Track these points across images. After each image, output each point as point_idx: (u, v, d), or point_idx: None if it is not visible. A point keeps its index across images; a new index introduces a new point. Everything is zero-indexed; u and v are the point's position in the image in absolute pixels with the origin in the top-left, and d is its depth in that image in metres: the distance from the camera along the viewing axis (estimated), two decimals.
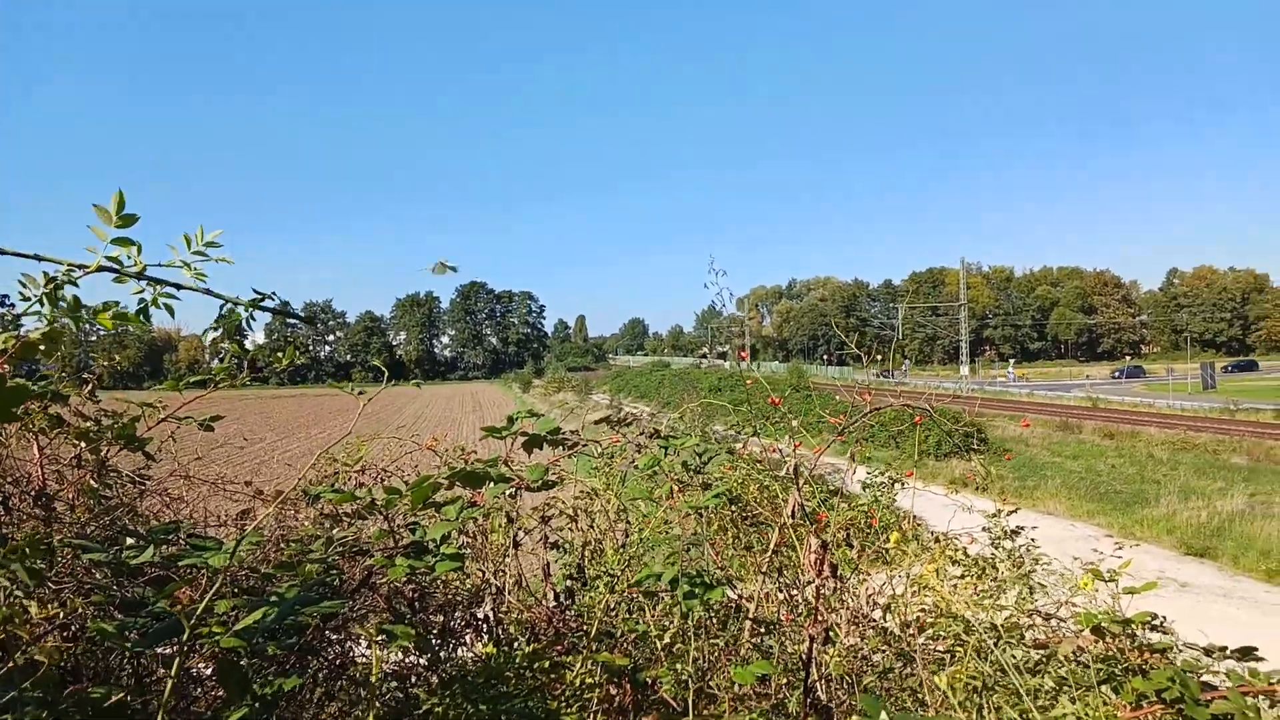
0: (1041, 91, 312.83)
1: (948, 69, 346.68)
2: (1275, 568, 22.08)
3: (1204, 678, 2.52)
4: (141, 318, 2.02)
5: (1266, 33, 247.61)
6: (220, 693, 2.23)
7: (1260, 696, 2.30)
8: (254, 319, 2.26)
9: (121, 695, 1.65)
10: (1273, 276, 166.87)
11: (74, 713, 1.58)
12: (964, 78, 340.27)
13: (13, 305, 1.84)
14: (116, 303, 1.98)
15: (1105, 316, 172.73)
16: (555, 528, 3.58)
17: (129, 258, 1.92)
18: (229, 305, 2.19)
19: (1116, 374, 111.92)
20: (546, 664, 2.48)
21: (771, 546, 3.24)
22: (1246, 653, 2.56)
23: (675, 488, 3.29)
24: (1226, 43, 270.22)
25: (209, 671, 2.28)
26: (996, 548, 3.92)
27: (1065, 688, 2.45)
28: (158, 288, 1.99)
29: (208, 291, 2.05)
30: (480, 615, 3.02)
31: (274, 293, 2.24)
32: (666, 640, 2.71)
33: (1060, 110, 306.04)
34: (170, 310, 2.05)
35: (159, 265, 1.97)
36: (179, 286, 2.00)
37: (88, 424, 2.94)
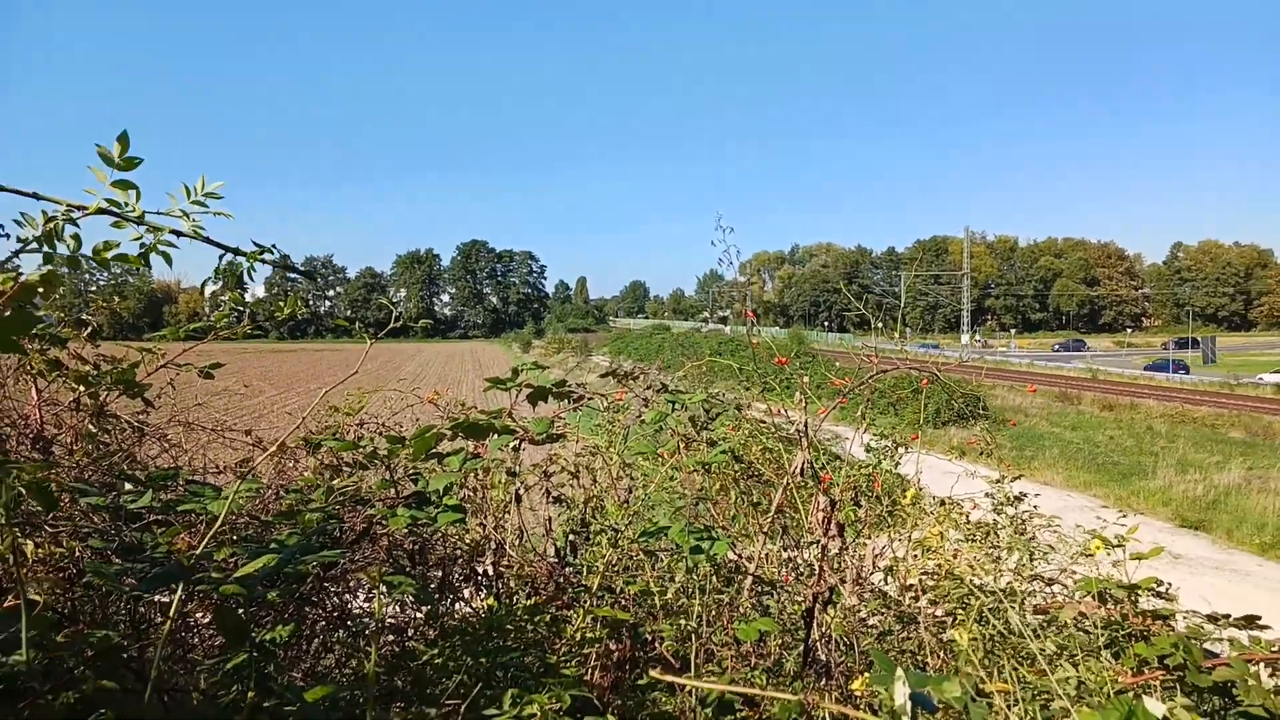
0: (1048, 65, 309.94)
1: (956, 41, 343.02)
2: (1269, 541, 22.22)
3: (1206, 645, 2.51)
4: (142, 261, 1.97)
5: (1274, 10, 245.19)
6: (217, 640, 2.22)
7: (1263, 664, 2.29)
8: (255, 270, 2.21)
9: (119, 639, 1.63)
10: (1276, 252, 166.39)
11: (70, 655, 1.55)
12: (971, 49, 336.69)
13: (7, 236, 1.79)
14: (117, 243, 1.94)
15: (1108, 289, 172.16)
16: (556, 484, 3.56)
17: (127, 203, 1.88)
18: (229, 256, 2.14)
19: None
20: (546, 618, 2.47)
21: (774, 507, 3.22)
22: (1250, 620, 2.55)
23: (681, 444, 3.26)
24: (1233, 21, 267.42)
25: (205, 619, 2.27)
26: (999, 513, 3.90)
27: (1066, 652, 2.43)
28: (157, 234, 1.94)
29: (209, 240, 2.00)
30: (480, 570, 3.00)
31: (274, 245, 2.20)
32: (669, 596, 2.70)
33: (1067, 84, 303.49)
34: (168, 259, 2.00)
35: (158, 213, 1.92)
36: (180, 234, 1.95)
37: (87, 368, 2.90)
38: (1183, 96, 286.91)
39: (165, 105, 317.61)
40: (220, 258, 2.15)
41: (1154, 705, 1.67)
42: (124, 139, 1.85)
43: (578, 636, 2.47)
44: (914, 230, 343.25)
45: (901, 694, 1.11)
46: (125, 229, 1.93)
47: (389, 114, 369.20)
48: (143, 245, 1.98)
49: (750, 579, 3.03)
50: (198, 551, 1.74)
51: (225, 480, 3.02)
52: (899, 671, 1.12)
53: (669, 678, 1.46)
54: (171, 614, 1.61)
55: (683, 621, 2.55)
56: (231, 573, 1.77)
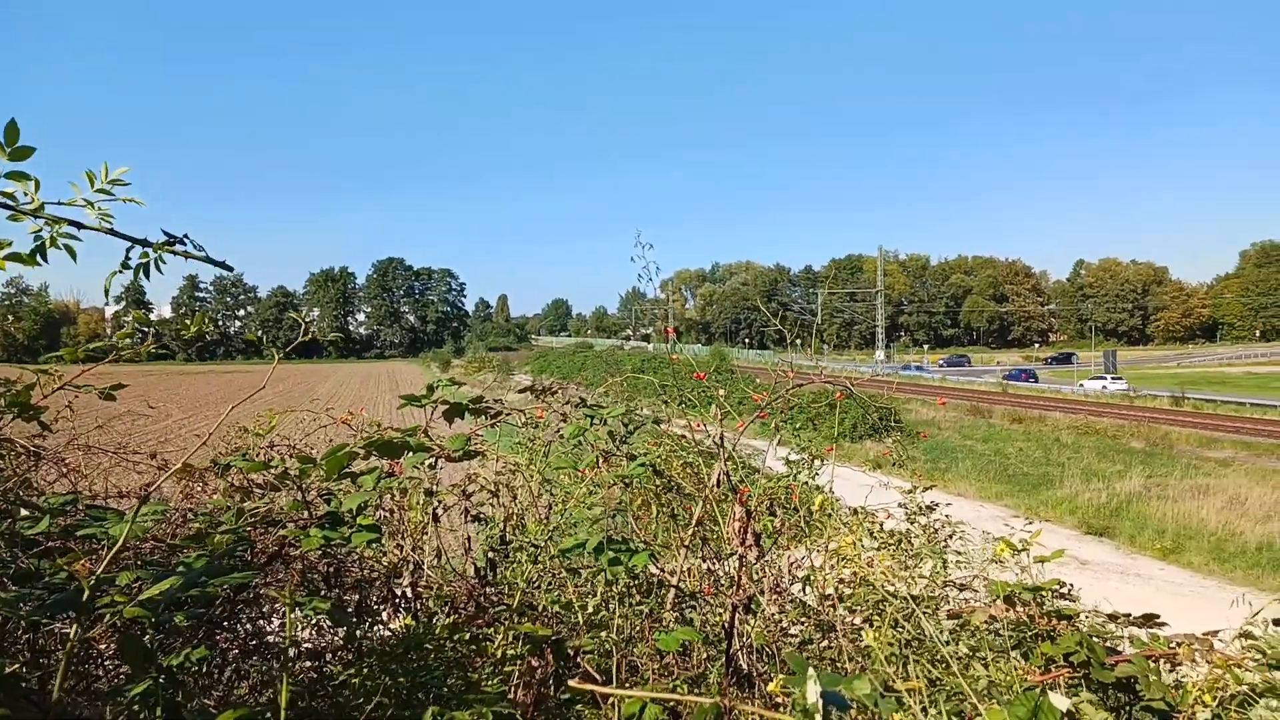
0: (955, 87, 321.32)
1: (867, 62, 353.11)
2: (1169, 546, 23.23)
3: (1110, 643, 2.61)
4: (38, 258, 1.87)
5: (1173, 35, 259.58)
6: (122, 669, 2.14)
7: (1161, 660, 2.40)
8: (164, 261, 2.11)
9: (17, 667, 1.56)
10: (1172, 270, 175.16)
11: None
12: (882, 72, 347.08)
13: None
14: (9, 242, 1.84)
15: (1016, 305, 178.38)
16: (476, 503, 3.52)
17: (25, 194, 1.79)
18: (135, 247, 2.04)
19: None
20: (467, 636, 2.43)
21: (694, 520, 3.25)
22: (1149, 619, 2.67)
23: (601, 458, 3.27)
24: (1135, 42, 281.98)
25: (111, 650, 2.18)
26: (912, 523, 4.00)
27: (978, 654, 2.51)
28: (57, 227, 1.84)
29: (112, 231, 1.91)
30: (398, 591, 2.95)
31: (187, 235, 2.10)
32: (590, 610, 2.69)
33: (975, 104, 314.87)
34: (71, 252, 1.90)
35: (59, 203, 1.83)
36: (82, 226, 1.87)
37: None
38: (1086, 115, 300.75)
39: (54, 110, 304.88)
40: (127, 249, 2.05)
41: (1059, 700, 1.74)
42: (12, 128, 1.76)
43: (500, 654, 2.45)
44: (830, 248, 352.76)
45: (814, 692, 1.13)
46: (22, 222, 1.83)
47: (300, 131, 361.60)
48: (39, 239, 1.88)
49: (673, 592, 3.04)
50: (98, 575, 1.68)
51: (129, 505, 2.91)
52: (810, 671, 1.15)
53: (588, 686, 1.46)
54: (74, 638, 1.54)
55: (604, 635, 2.54)
56: (137, 596, 1.71)
